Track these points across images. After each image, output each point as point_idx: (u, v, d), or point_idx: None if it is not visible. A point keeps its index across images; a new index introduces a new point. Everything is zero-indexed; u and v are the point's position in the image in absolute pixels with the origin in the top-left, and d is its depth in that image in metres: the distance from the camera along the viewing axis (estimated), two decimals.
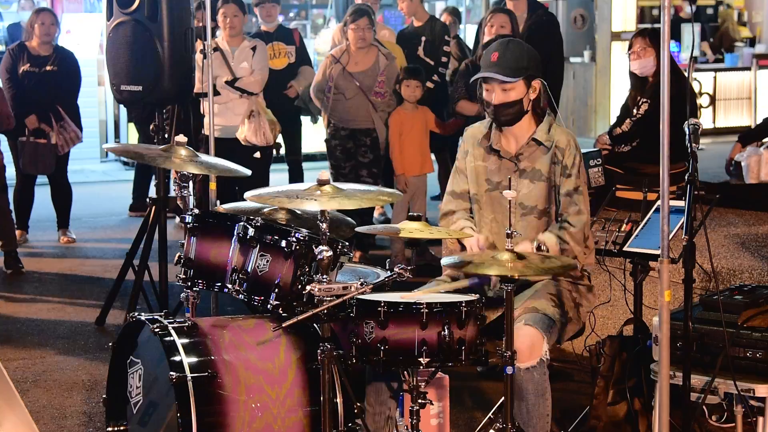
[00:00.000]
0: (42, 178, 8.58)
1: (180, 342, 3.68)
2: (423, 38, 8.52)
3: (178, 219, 4.37)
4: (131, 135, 12.76)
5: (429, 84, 7.96)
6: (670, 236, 3.51)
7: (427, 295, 3.84)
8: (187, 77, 6.13)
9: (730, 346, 3.82)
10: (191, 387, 3.57)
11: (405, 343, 3.56)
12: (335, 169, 7.55)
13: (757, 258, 5.14)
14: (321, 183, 3.58)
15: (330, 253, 3.49)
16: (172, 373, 3.57)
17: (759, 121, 7.58)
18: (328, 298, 3.48)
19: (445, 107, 8.15)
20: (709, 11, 17.75)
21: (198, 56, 7.15)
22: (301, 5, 16.86)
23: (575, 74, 14.56)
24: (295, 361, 3.78)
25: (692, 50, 3.88)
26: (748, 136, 7.04)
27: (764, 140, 6.95)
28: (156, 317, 3.84)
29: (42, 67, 8.21)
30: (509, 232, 3.57)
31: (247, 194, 3.73)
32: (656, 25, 12.91)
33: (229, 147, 7.23)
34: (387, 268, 3.97)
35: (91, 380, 5.37)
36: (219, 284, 3.98)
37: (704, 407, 4.06)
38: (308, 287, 3.53)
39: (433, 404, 3.89)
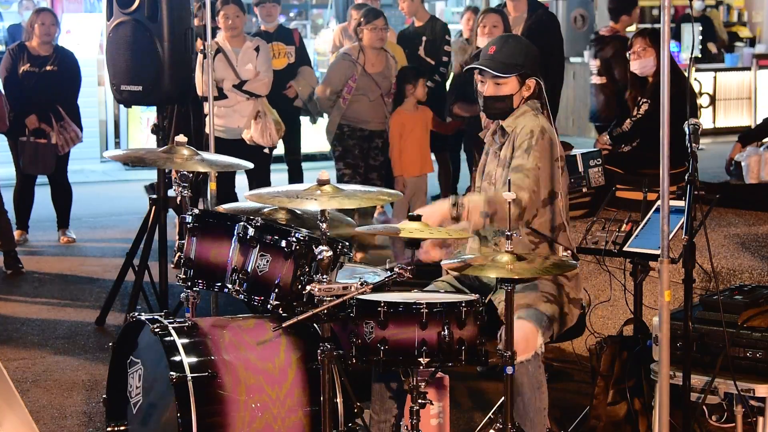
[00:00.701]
0: (42, 178, 8.58)
1: (180, 342, 3.68)
2: (424, 38, 8.53)
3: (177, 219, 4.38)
4: (131, 135, 12.77)
5: (429, 83, 7.97)
6: (670, 236, 3.51)
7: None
8: (187, 77, 6.13)
9: (730, 346, 3.82)
10: (191, 387, 3.57)
11: (405, 343, 3.56)
12: (352, 169, 7.49)
13: (757, 258, 5.14)
14: (321, 183, 3.59)
15: (330, 253, 3.50)
16: (172, 373, 3.57)
17: (759, 121, 7.58)
18: (328, 298, 3.48)
19: (444, 107, 8.16)
20: (708, 11, 17.76)
21: (201, 57, 7.17)
22: (301, 5, 16.88)
23: (575, 74, 14.56)
24: (295, 361, 3.78)
25: (692, 50, 3.89)
26: (748, 136, 7.04)
27: (764, 140, 6.95)
28: (156, 317, 3.84)
29: (42, 67, 8.21)
30: (509, 233, 3.57)
31: (247, 194, 3.74)
32: (656, 25, 12.90)
33: (234, 147, 7.23)
34: (387, 268, 3.97)
35: (91, 380, 5.37)
36: (219, 284, 3.98)
37: (704, 407, 4.06)
38: (308, 287, 3.53)
39: (433, 404, 3.88)
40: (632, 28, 9.21)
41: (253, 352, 3.77)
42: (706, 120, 14.20)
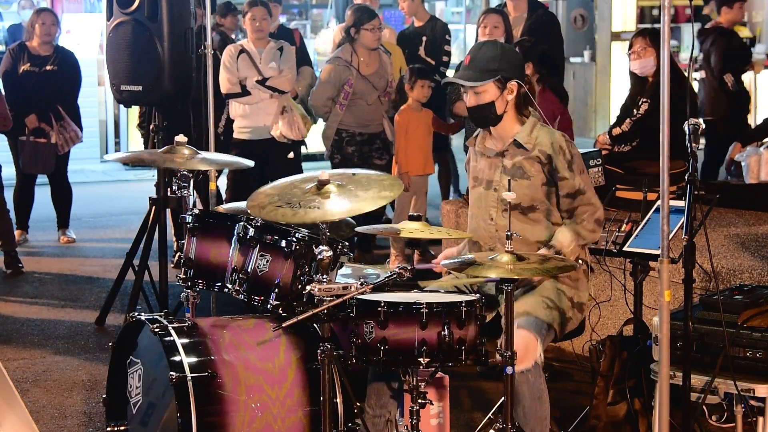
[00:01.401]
0: (42, 178, 8.58)
1: (180, 342, 3.68)
2: (424, 38, 8.52)
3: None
4: (131, 135, 12.77)
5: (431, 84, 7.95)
6: (670, 236, 3.51)
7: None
8: (187, 77, 6.13)
9: (730, 346, 3.82)
10: (191, 387, 3.57)
11: (405, 343, 3.56)
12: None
13: (757, 258, 5.14)
14: (321, 183, 3.58)
15: (330, 253, 3.49)
16: (172, 373, 3.57)
17: (759, 121, 7.58)
18: (328, 298, 3.48)
19: (445, 107, 8.15)
20: (707, 11, 17.74)
21: (225, 56, 7.20)
22: (301, 5, 16.88)
23: (575, 74, 14.56)
24: (295, 361, 3.78)
25: (692, 50, 3.89)
26: (748, 136, 7.04)
27: (764, 140, 6.94)
28: (156, 317, 3.85)
29: (42, 66, 8.21)
30: (509, 233, 3.57)
31: (248, 201, 3.68)
32: (656, 25, 12.90)
33: (262, 148, 7.24)
34: (387, 268, 3.97)
35: (91, 380, 5.37)
36: (219, 284, 3.98)
37: (704, 407, 4.05)
38: (308, 287, 3.53)
39: (433, 404, 3.89)
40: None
41: (253, 352, 3.77)
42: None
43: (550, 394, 3.96)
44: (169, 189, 5.74)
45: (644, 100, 6.20)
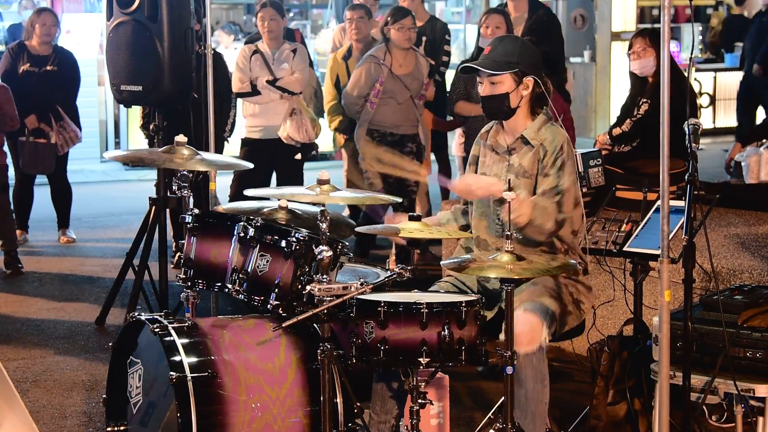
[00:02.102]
0: (42, 178, 8.57)
1: (180, 342, 3.68)
2: (423, 38, 8.51)
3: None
4: (131, 135, 12.76)
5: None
6: (670, 236, 3.51)
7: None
8: (187, 77, 6.13)
9: (730, 346, 3.82)
10: (191, 387, 3.57)
11: (405, 343, 3.56)
12: (383, 179, 7.20)
13: (757, 258, 5.14)
14: (321, 183, 3.59)
15: (330, 253, 3.50)
16: (172, 373, 3.57)
17: (759, 121, 7.58)
18: (328, 298, 3.48)
19: (444, 107, 8.15)
20: (709, 11, 17.77)
21: (238, 57, 7.24)
22: (301, 5, 16.88)
23: (575, 74, 14.55)
24: (295, 361, 3.78)
25: (692, 50, 3.89)
26: (748, 136, 7.04)
27: (764, 140, 6.95)
28: (156, 317, 3.84)
29: (42, 66, 8.21)
30: (509, 233, 3.57)
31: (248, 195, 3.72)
32: (656, 25, 12.90)
33: (271, 147, 7.26)
34: (387, 268, 3.97)
35: (91, 380, 5.37)
36: (219, 284, 3.98)
37: (704, 407, 4.05)
38: (308, 287, 3.53)
39: (433, 404, 3.88)
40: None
41: (253, 352, 3.77)
42: (706, 120, 14.20)
43: (550, 394, 3.97)
44: (168, 189, 5.76)
45: (644, 100, 6.20)
